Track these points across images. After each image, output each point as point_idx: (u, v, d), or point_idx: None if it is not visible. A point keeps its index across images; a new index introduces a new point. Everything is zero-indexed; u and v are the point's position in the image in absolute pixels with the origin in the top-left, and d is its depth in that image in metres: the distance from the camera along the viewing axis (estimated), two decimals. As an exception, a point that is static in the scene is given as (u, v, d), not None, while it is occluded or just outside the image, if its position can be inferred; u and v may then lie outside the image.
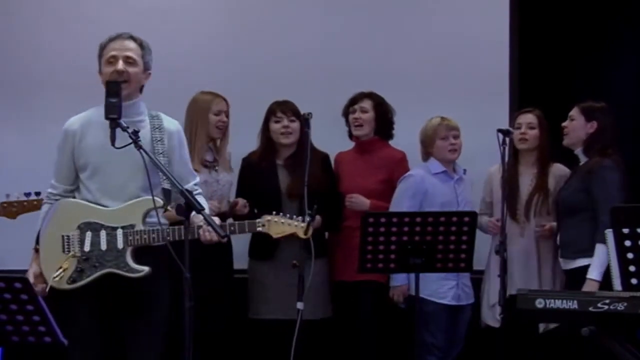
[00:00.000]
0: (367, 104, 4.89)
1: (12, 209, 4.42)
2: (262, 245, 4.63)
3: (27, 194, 4.39)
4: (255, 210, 4.56)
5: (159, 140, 3.76)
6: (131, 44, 3.75)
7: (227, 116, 4.73)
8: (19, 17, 5.27)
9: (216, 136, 4.70)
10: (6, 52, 5.25)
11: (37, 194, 4.29)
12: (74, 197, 3.81)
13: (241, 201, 4.65)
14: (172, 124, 3.87)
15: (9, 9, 5.29)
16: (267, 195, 4.65)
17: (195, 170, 4.44)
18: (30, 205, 4.38)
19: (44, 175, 4.41)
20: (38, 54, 5.27)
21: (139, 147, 3.43)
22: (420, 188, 4.72)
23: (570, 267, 4.50)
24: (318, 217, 4.42)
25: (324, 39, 5.34)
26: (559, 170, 4.78)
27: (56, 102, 5.12)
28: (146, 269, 3.64)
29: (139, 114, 3.75)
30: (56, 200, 3.82)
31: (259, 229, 3.74)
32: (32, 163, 5.04)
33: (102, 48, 3.77)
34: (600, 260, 4.26)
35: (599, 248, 4.27)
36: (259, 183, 4.74)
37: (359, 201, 4.75)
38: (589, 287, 4.26)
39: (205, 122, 4.63)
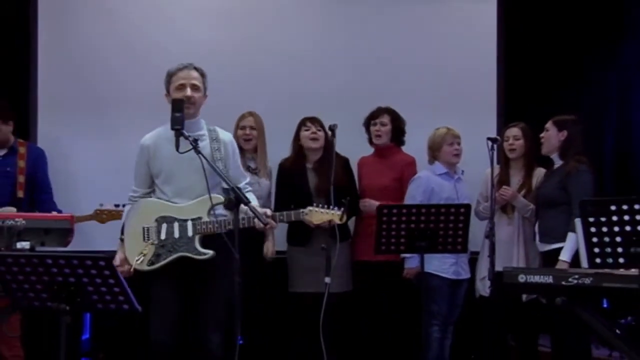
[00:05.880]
0: (385, 118, 5.28)
1: (103, 216, 4.82)
2: (299, 234, 5.03)
3: (117, 205, 4.75)
4: (292, 205, 4.59)
5: (217, 150, 4.05)
6: (195, 73, 4.04)
7: (256, 129, 5.04)
8: (94, 46, 5.62)
9: (244, 147, 4.98)
10: (85, 77, 5.59)
11: (123, 205, 4.49)
12: (151, 197, 4.14)
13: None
14: (226, 136, 4.15)
15: (88, 43, 5.64)
16: (299, 193, 5.01)
17: None
18: (117, 214, 4.73)
19: (120, 183, 4.61)
20: (111, 78, 5.60)
21: (197, 152, 3.74)
22: (428, 186, 5.05)
23: (546, 250, 4.83)
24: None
25: (348, 65, 5.79)
26: (540, 173, 5.11)
27: (128, 120, 5.45)
28: (211, 252, 3.95)
29: (200, 129, 4.07)
30: (137, 200, 4.15)
31: (303, 217, 4.06)
32: (109, 172, 5.37)
33: (171, 75, 4.05)
34: (571, 245, 4.61)
35: (571, 236, 4.62)
36: (292, 183, 5.10)
37: (370, 204, 5.07)
38: (560, 266, 4.57)
39: (236, 136, 4.91)
